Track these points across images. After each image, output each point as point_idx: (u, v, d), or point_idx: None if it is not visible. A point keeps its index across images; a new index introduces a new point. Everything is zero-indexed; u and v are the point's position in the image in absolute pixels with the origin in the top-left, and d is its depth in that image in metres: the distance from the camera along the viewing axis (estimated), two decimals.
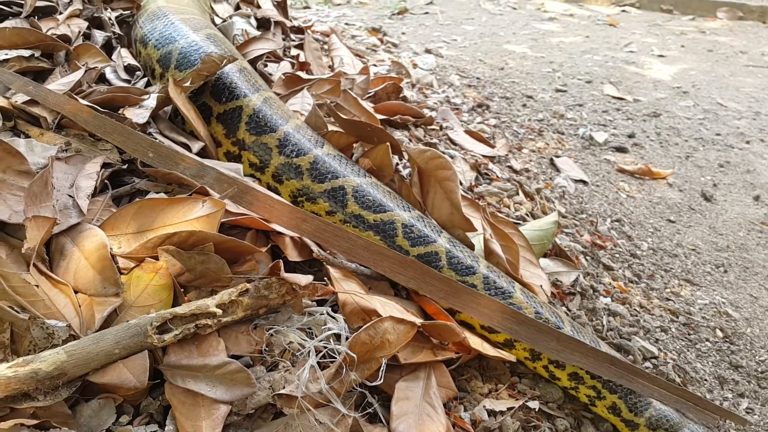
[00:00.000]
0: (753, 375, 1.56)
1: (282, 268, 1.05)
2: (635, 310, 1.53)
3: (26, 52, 1.46)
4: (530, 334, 1.16)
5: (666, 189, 2.51)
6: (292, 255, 1.22)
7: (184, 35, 1.51)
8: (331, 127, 1.55)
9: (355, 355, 0.98)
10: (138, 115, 1.29)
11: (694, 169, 2.81)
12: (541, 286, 1.36)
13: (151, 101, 1.33)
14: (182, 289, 1.04)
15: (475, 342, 1.23)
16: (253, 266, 1.11)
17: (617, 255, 1.77)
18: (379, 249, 1.18)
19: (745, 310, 1.81)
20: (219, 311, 0.99)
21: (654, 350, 1.42)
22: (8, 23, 1.59)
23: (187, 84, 1.33)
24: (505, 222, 1.46)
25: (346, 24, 4.26)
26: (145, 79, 1.54)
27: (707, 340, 1.60)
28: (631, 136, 3.03)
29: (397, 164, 1.70)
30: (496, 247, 1.39)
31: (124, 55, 1.61)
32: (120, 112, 1.28)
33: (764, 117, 3.68)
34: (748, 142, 3.27)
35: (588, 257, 1.66)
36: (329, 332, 1.04)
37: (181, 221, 1.09)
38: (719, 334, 1.65)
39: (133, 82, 1.53)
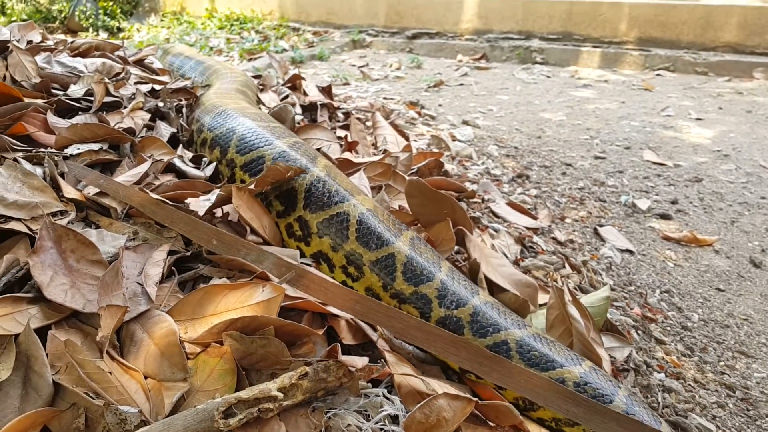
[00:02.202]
0: None
1: (339, 351, 1.09)
2: (690, 385, 1.51)
3: (96, 146, 1.58)
4: (587, 414, 1.16)
5: (713, 256, 2.48)
6: (347, 338, 1.26)
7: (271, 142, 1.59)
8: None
9: None
10: (199, 206, 1.37)
11: (741, 235, 2.77)
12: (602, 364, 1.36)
13: (212, 196, 1.41)
14: (244, 372, 1.08)
15: (533, 427, 1.23)
16: (311, 349, 1.15)
17: (668, 328, 1.75)
18: (432, 329, 1.21)
19: None
20: (280, 395, 1.03)
21: (712, 428, 1.39)
22: (78, 119, 1.73)
23: (251, 187, 1.41)
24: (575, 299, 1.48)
25: (384, 98, 4.43)
26: (213, 165, 1.64)
27: (767, 416, 1.55)
28: (674, 202, 3.02)
29: None
30: (579, 324, 1.40)
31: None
32: (185, 203, 1.37)
33: None
34: None
35: (639, 331, 1.65)
36: (385, 413, 1.06)
37: (243, 306, 1.14)
38: None
39: (202, 168, 1.63)
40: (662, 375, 1.49)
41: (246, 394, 1.01)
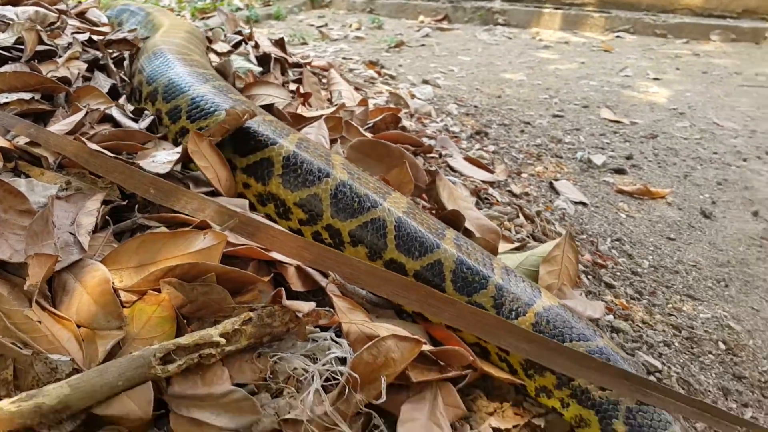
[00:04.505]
0: (756, 385, 1.56)
1: (284, 295, 1.06)
2: (638, 326, 1.53)
3: (26, 95, 1.50)
4: (539, 351, 1.16)
5: (665, 208, 2.52)
6: (296, 285, 1.23)
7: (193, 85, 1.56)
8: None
9: (357, 376, 0.98)
10: (157, 166, 1.31)
11: (693, 188, 2.82)
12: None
13: (172, 154, 1.35)
14: (185, 321, 1.05)
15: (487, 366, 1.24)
16: (256, 296, 1.12)
17: (618, 273, 1.78)
18: (382, 272, 1.19)
19: (747, 322, 1.80)
20: (222, 341, 1.00)
21: (658, 365, 1.42)
22: (8, 67, 1.64)
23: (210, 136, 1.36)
24: None
25: (344, 58, 4.35)
26: (151, 118, 1.58)
27: (710, 352, 1.59)
28: (629, 157, 3.05)
29: None
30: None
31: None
32: (136, 164, 1.30)
33: (760, 135, 3.71)
34: (745, 160, 3.29)
35: (590, 276, 1.67)
36: (333, 356, 1.05)
37: (183, 254, 1.10)
38: (722, 346, 1.65)
39: (140, 122, 1.57)
40: (611, 317, 1.51)
41: (185, 340, 0.98)
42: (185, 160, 1.34)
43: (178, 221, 1.21)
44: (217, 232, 1.12)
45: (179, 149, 1.35)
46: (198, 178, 1.37)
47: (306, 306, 1.08)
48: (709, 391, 1.50)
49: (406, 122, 2.58)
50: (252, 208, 1.39)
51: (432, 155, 2.22)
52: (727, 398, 1.51)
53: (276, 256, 1.19)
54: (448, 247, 1.29)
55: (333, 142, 1.73)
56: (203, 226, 1.17)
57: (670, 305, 1.73)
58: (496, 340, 1.17)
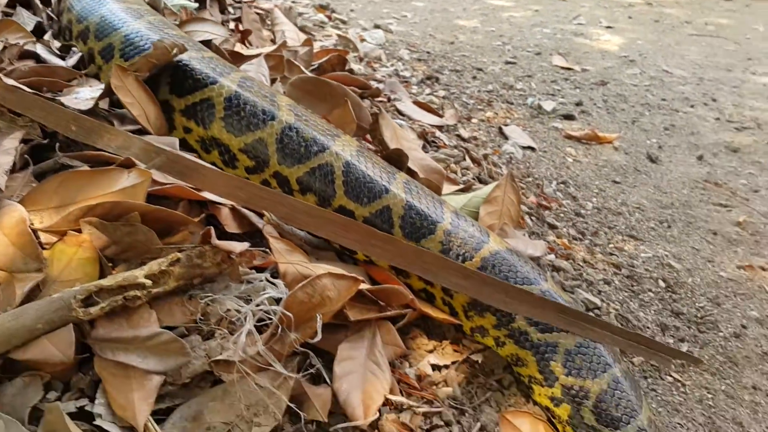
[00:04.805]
0: (693, 321, 1.61)
1: (213, 234, 1.02)
2: (579, 265, 1.55)
3: None
4: (476, 287, 1.15)
5: (612, 153, 2.55)
6: (231, 226, 1.19)
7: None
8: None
9: (291, 315, 0.96)
10: (80, 102, 1.23)
11: (640, 133, 2.86)
12: None
13: (95, 91, 1.27)
14: (110, 263, 1.01)
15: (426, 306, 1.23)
16: (186, 237, 1.08)
17: (562, 215, 1.79)
18: (321, 212, 1.16)
19: (687, 261, 1.85)
20: (148, 282, 0.96)
21: (597, 301, 1.44)
22: None
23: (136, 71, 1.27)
24: None
25: (293, 1, 4.19)
26: (79, 55, 1.49)
27: (650, 290, 1.63)
28: (578, 104, 3.06)
29: None
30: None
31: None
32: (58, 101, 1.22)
33: (707, 82, 3.77)
34: (692, 106, 3.35)
35: (533, 218, 1.68)
36: (267, 296, 1.02)
37: (105, 193, 1.05)
38: (661, 284, 1.69)
39: (67, 59, 1.47)
40: (552, 256, 1.53)
41: (108, 281, 0.94)
42: (109, 96, 1.26)
43: (102, 160, 1.14)
44: (142, 170, 1.06)
45: (103, 85, 1.27)
46: (125, 116, 1.29)
47: (238, 246, 1.04)
48: (648, 327, 1.54)
49: (354, 66, 2.52)
50: (198, 157, 1.33)
51: (380, 99, 2.18)
52: (665, 334, 1.56)
53: (208, 196, 1.14)
54: (398, 192, 1.26)
55: (273, 81, 1.66)
56: (128, 165, 1.11)
57: (611, 245, 1.76)
58: (436, 277, 1.16)
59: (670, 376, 1.43)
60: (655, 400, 1.36)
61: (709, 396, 1.45)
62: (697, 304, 1.69)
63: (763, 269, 1.99)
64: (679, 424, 1.35)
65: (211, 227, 1.03)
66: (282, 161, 1.27)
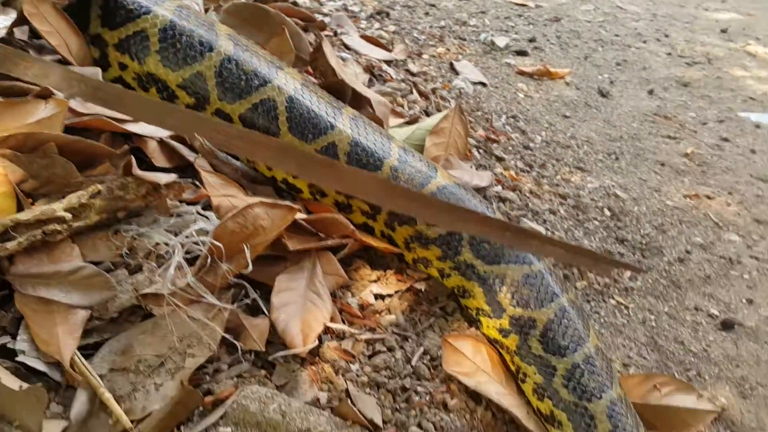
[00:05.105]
0: (637, 247, 1.64)
1: (134, 164, 0.97)
2: (525, 196, 1.55)
3: None
4: (420, 208, 1.13)
5: (563, 88, 2.53)
6: (160, 160, 1.14)
7: None
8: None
9: (221, 245, 0.93)
10: None
11: (592, 69, 2.85)
12: None
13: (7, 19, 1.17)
14: (30, 199, 0.95)
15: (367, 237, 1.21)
16: (108, 169, 1.03)
17: (510, 148, 1.78)
18: (255, 136, 1.10)
19: (634, 191, 1.87)
20: (68, 216, 0.91)
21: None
22: None
23: None
24: None
25: None
26: None
27: (595, 219, 1.65)
28: (531, 40, 3.02)
29: None
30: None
31: None
32: None
33: (660, 18, 3.76)
34: (644, 42, 3.34)
35: (481, 150, 1.66)
36: (197, 227, 0.98)
37: (21, 125, 0.99)
38: (607, 213, 1.71)
39: None
40: (499, 188, 1.52)
41: (25, 216, 0.89)
42: (25, 24, 1.18)
43: (17, 90, 1.07)
44: (59, 100, 1.00)
45: (15, 12, 1.18)
46: (43, 47, 1.21)
47: (164, 177, 0.99)
48: None
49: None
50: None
51: (326, 33, 2.10)
52: None
53: (132, 128, 1.09)
54: (344, 128, 1.21)
55: (207, 11, 1.57)
56: (45, 95, 1.04)
57: (558, 176, 1.77)
58: (379, 200, 1.14)
59: (614, 299, 1.46)
60: (598, 322, 1.38)
61: (652, 318, 1.48)
62: (642, 231, 1.71)
63: (709, 198, 2.04)
64: (622, 344, 1.39)
65: (132, 156, 0.98)
66: (222, 97, 1.21)
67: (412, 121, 1.58)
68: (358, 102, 1.45)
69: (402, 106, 1.69)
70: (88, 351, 0.88)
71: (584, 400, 1.05)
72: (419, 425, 0.99)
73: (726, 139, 2.46)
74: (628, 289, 1.51)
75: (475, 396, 1.07)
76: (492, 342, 1.16)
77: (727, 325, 1.52)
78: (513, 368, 1.13)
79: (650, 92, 2.74)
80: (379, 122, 1.46)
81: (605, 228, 1.65)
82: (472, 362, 1.10)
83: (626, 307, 1.47)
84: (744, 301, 1.62)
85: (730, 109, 2.76)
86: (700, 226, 1.87)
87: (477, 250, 1.17)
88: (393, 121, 1.55)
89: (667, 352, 1.40)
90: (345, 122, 1.23)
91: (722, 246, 1.80)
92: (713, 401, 1.29)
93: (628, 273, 1.52)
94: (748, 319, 1.55)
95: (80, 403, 0.83)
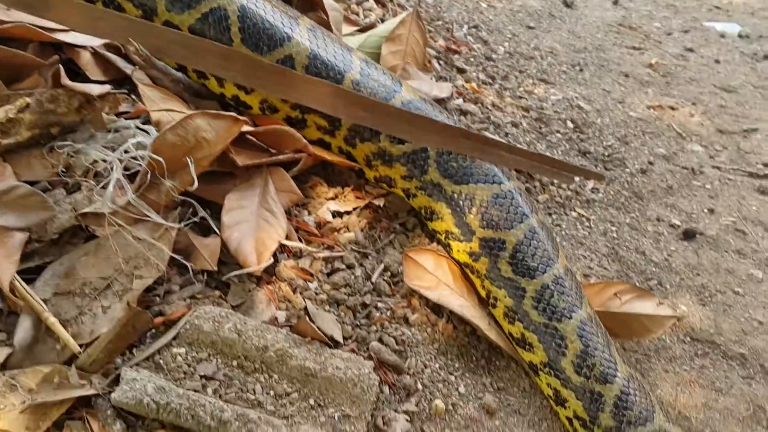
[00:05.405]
0: (600, 159, 1.62)
1: (63, 74, 0.90)
2: (487, 108, 1.51)
3: None
4: (377, 118, 1.09)
5: None
6: (94, 73, 1.06)
7: None
8: None
9: (162, 159, 0.87)
10: None
11: None
12: None
13: None
14: None
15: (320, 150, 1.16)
16: (37, 81, 0.95)
17: (472, 59, 1.72)
18: (198, 42, 1.03)
19: (597, 102, 1.85)
20: None
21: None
22: None
23: None
24: None
25: None
26: None
27: (558, 131, 1.62)
28: None
29: None
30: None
31: None
32: None
33: None
34: None
35: (441, 61, 1.60)
36: (136, 141, 0.92)
37: None
38: (570, 125, 1.68)
39: None
40: (460, 100, 1.47)
41: None
42: None
43: None
44: None
45: None
46: None
47: (96, 88, 0.92)
48: None
49: None
50: None
51: None
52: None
53: (62, 37, 1.00)
54: (301, 40, 1.13)
55: None
56: None
57: (521, 89, 1.72)
58: (334, 109, 1.08)
59: (575, 211, 1.46)
60: (559, 234, 1.38)
61: (614, 229, 1.49)
62: (605, 143, 1.70)
63: (672, 108, 2.02)
64: (583, 256, 1.39)
65: (60, 66, 0.90)
66: (170, 7, 1.10)
67: (367, 28, 1.50)
68: (308, 5, 1.36)
69: (357, 14, 1.60)
70: (29, 275, 0.83)
71: (554, 320, 1.05)
72: (380, 340, 0.98)
73: (690, 50, 2.43)
74: (590, 201, 1.51)
75: (436, 309, 1.07)
76: (462, 266, 1.14)
77: (688, 235, 1.53)
78: (483, 293, 1.11)
79: (615, 2, 2.67)
80: (330, 29, 1.38)
81: (568, 140, 1.62)
82: (433, 276, 1.09)
83: (588, 219, 1.47)
84: (705, 210, 1.63)
85: (695, 18, 2.72)
86: (663, 137, 1.86)
87: (444, 169, 1.12)
88: (346, 29, 1.46)
89: (629, 263, 1.41)
90: (302, 33, 1.14)
91: (685, 156, 1.80)
92: (674, 308, 1.32)
93: (590, 185, 1.50)
94: (709, 228, 1.57)
95: (24, 329, 0.80)
